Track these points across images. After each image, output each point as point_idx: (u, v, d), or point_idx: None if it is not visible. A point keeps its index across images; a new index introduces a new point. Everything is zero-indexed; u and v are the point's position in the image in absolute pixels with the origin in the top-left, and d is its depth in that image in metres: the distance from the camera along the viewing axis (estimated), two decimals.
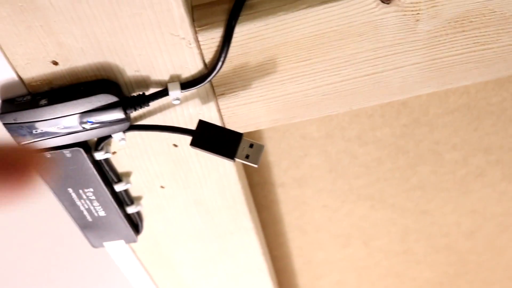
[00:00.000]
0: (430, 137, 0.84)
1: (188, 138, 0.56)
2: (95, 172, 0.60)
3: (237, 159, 0.55)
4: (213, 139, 0.56)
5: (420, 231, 1.06)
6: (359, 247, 1.07)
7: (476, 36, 0.57)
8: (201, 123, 0.56)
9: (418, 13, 0.54)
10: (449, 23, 0.55)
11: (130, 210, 0.66)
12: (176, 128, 0.58)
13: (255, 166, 0.55)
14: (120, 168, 0.64)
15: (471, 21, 0.56)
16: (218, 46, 0.53)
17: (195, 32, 0.52)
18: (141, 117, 0.58)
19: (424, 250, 1.12)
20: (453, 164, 0.90)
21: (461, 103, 0.79)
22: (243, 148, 0.55)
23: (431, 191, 0.95)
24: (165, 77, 0.55)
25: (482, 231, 1.10)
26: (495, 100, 0.80)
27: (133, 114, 0.57)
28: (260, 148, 0.56)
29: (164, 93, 0.55)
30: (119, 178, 0.64)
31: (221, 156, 0.55)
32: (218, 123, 0.60)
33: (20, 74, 0.53)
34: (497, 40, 0.58)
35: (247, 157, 0.55)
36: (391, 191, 0.93)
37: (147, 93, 0.55)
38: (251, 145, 0.55)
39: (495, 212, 1.05)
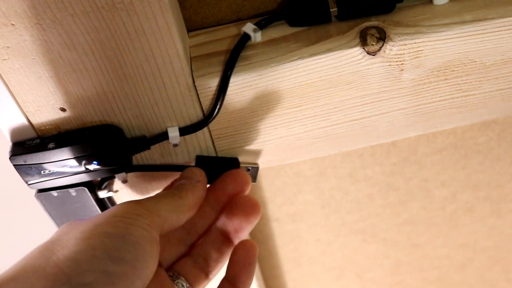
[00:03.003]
0: (420, 175, 0.86)
1: None
2: (98, 210, 0.62)
3: None
4: (213, 170, 0.60)
5: (412, 264, 1.07)
6: (352, 279, 1.08)
7: (459, 84, 0.60)
8: (199, 158, 0.60)
9: (403, 63, 0.56)
10: (432, 72, 0.58)
11: None
12: (175, 167, 0.61)
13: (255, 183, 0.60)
14: None
15: (453, 70, 0.58)
16: (215, 94, 0.56)
17: (193, 81, 0.55)
18: (142, 158, 0.61)
19: (416, 283, 1.12)
20: (443, 200, 0.92)
21: (448, 143, 0.81)
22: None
23: (421, 225, 0.96)
24: (165, 122, 0.58)
25: (473, 264, 1.10)
26: (481, 140, 0.81)
27: (135, 156, 0.60)
28: (256, 169, 0.62)
29: (164, 136, 0.58)
30: None
31: None
32: None
33: (30, 119, 0.55)
34: (478, 87, 0.60)
35: None
36: (382, 226, 0.94)
37: (148, 137, 0.58)
38: (248, 169, 0.62)
39: (486, 246, 1.05)
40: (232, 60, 0.55)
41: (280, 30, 0.58)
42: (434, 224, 0.97)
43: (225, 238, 0.61)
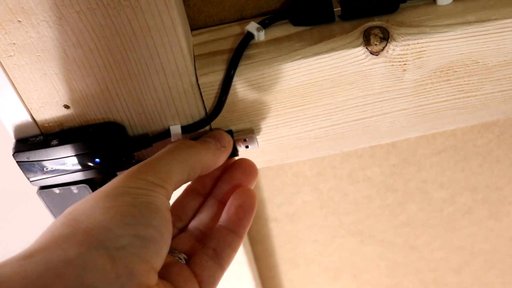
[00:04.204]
0: (418, 176, 0.86)
1: None
2: None
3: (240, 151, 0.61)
4: None
5: (408, 266, 1.07)
6: (349, 281, 1.08)
7: (460, 85, 0.60)
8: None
9: (405, 64, 0.57)
10: (434, 72, 0.58)
11: None
12: None
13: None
14: None
15: (456, 71, 0.58)
16: (218, 92, 0.56)
17: (197, 80, 0.55)
18: (144, 156, 0.61)
19: (413, 285, 1.13)
20: (441, 202, 0.92)
21: (448, 145, 0.81)
22: (239, 145, 0.61)
23: (419, 227, 0.97)
24: (167, 119, 0.58)
25: (470, 267, 1.11)
26: (481, 142, 0.82)
27: (137, 153, 0.60)
28: (253, 136, 0.61)
29: (166, 135, 0.58)
30: None
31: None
32: None
33: (34, 116, 0.55)
34: (480, 88, 0.60)
35: (247, 147, 0.61)
36: (380, 227, 0.95)
37: (150, 134, 0.58)
38: (245, 139, 0.61)
39: (483, 249, 1.06)
40: (235, 59, 0.55)
41: (283, 29, 0.58)
42: (431, 226, 0.97)
43: (223, 204, 0.60)
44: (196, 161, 0.54)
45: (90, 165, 0.56)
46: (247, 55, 0.56)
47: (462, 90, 0.61)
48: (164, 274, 0.53)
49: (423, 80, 0.59)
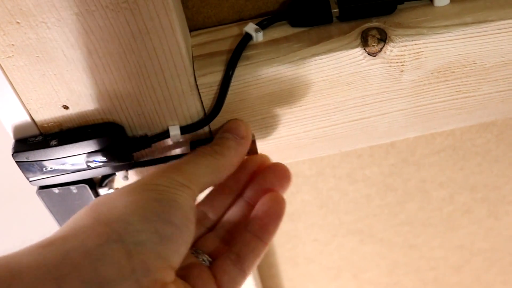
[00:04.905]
0: (418, 176, 0.86)
1: None
2: None
3: None
4: None
5: (408, 265, 1.07)
6: (349, 280, 1.08)
7: (458, 85, 0.60)
8: (193, 144, 0.60)
9: (403, 65, 0.57)
10: (432, 73, 0.58)
11: None
12: (174, 158, 0.61)
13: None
14: None
15: (453, 72, 0.58)
16: (216, 93, 0.56)
17: (195, 81, 0.55)
18: (143, 156, 0.61)
19: (413, 284, 1.13)
20: (440, 201, 0.92)
21: (447, 144, 0.81)
22: None
23: (418, 226, 0.97)
24: (166, 120, 0.58)
25: (470, 266, 1.11)
26: (479, 141, 0.82)
27: (136, 154, 0.60)
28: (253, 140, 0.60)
29: (165, 135, 0.58)
30: None
31: None
32: None
33: (33, 116, 0.56)
34: (478, 88, 0.61)
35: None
36: (379, 226, 0.95)
37: (149, 135, 0.58)
38: None
39: (482, 248, 1.06)
40: (234, 60, 0.55)
41: (281, 31, 0.58)
42: (431, 225, 0.97)
43: (252, 207, 0.59)
44: (221, 165, 0.54)
45: (89, 165, 0.57)
46: (246, 56, 0.56)
47: (460, 91, 0.61)
48: (184, 274, 0.53)
49: (421, 81, 0.59)
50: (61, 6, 0.47)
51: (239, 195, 0.61)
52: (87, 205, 0.49)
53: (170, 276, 0.46)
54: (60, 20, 0.48)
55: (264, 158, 0.61)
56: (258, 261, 0.57)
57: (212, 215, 0.60)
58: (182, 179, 0.50)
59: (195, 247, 0.58)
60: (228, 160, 0.55)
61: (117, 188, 0.63)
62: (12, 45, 0.50)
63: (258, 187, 0.60)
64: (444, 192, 0.90)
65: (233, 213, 0.60)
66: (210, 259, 0.56)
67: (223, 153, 0.55)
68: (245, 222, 0.58)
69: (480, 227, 1.00)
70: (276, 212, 0.57)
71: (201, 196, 0.59)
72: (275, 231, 0.57)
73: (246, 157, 0.60)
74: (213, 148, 0.55)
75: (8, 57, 0.50)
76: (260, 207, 0.58)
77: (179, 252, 0.47)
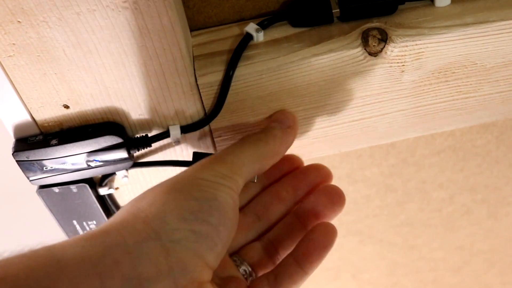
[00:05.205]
0: (418, 177, 0.86)
1: None
2: (99, 206, 0.63)
3: None
4: None
5: (408, 266, 1.07)
6: (348, 280, 1.08)
7: (459, 86, 0.60)
8: (196, 154, 0.59)
9: (403, 65, 0.57)
10: (432, 74, 0.58)
11: None
12: (174, 162, 0.61)
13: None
14: (122, 203, 0.67)
15: (454, 72, 0.59)
16: (217, 93, 0.56)
17: (196, 81, 0.55)
18: (143, 156, 0.61)
19: (412, 284, 1.13)
20: (440, 202, 0.92)
21: (447, 145, 0.81)
22: None
23: (418, 227, 0.97)
24: (167, 120, 0.58)
25: (469, 267, 1.11)
26: (480, 142, 0.82)
27: (136, 153, 0.60)
28: None
29: (165, 135, 0.58)
30: None
31: None
32: None
33: (33, 116, 0.56)
34: (478, 89, 0.61)
35: None
36: (379, 227, 0.95)
37: (149, 135, 0.58)
38: None
39: (482, 249, 1.06)
40: (234, 60, 0.55)
41: (282, 31, 0.58)
42: (431, 226, 0.97)
43: (302, 225, 0.59)
44: (265, 153, 0.54)
45: (89, 165, 0.57)
46: (246, 56, 0.56)
47: (460, 91, 0.61)
48: (221, 284, 0.53)
49: (422, 81, 0.59)
50: (62, 5, 0.47)
51: (295, 204, 0.61)
52: (131, 201, 0.49)
53: (207, 275, 0.46)
54: (61, 19, 0.48)
55: (326, 171, 0.61)
56: None
57: (264, 221, 0.60)
58: (226, 170, 0.50)
59: (239, 254, 0.58)
60: (272, 148, 0.54)
61: (117, 188, 0.63)
62: (13, 44, 0.50)
63: (310, 206, 0.60)
64: (444, 193, 0.90)
65: (282, 226, 0.60)
66: (250, 270, 0.57)
67: (268, 141, 0.54)
68: (290, 240, 0.58)
69: (480, 228, 1.00)
70: (324, 244, 0.56)
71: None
72: (318, 262, 0.56)
73: (309, 166, 0.61)
74: (258, 136, 0.55)
75: (9, 56, 0.50)
76: (309, 235, 0.57)
77: (215, 250, 0.47)
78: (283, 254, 0.58)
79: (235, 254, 0.58)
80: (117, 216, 0.47)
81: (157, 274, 0.43)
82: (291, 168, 0.62)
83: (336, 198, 0.59)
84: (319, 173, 0.61)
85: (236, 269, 0.56)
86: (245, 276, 0.56)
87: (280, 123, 0.57)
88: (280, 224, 0.60)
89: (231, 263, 0.56)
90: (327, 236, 0.56)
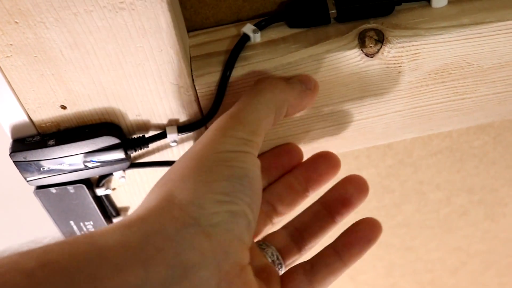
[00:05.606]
0: (415, 178, 0.86)
1: None
2: (96, 207, 0.63)
3: None
4: None
5: (405, 267, 1.07)
6: (345, 282, 1.09)
7: (455, 87, 0.60)
8: None
9: (400, 66, 0.57)
10: (429, 74, 0.58)
11: None
12: (172, 162, 0.60)
13: None
14: (119, 203, 0.67)
15: (450, 73, 0.59)
16: (214, 94, 0.56)
17: (193, 81, 0.55)
18: (140, 156, 0.61)
19: (409, 285, 1.13)
20: (437, 203, 0.92)
21: (444, 146, 0.81)
22: None
23: (416, 228, 0.97)
24: (163, 121, 0.58)
25: (466, 268, 1.11)
26: (477, 143, 0.82)
27: (133, 154, 0.60)
28: None
29: (162, 135, 0.58)
30: (118, 212, 0.67)
31: None
32: None
33: (31, 116, 0.56)
34: (475, 90, 0.61)
35: None
36: None
37: (146, 135, 0.58)
38: None
39: (479, 250, 1.06)
40: (231, 61, 0.55)
41: (279, 31, 0.58)
42: (428, 227, 0.97)
43: (328, 213, 0.60)
44: (282, 100, 0.53)
45: (86, 165, 0.57)
46: (243, 56, 0.56)
47: (457, 92, 0.61)
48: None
49: (418, 82, 0.59)
50: (60, 6, 0.47)
51: (306, 192, 0.61)
52: (158, 184, 0.49)
53: (247, 256, 0.46)
54: (58, 20, 0.48)
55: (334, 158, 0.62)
56: (331, 280, 0.57)
57: (281, 209, 0.60)
58: (246, 134, 0.49)
59: (263, 240, 0.58)
60: (289, 97, 0.53)
61: (114, 189, 0.63)
62: (11, 45, 0.50)
63: (339, 194, 0.60)
64: (441, 194, 0.90)
65: (308, 214, 0.60)
66: (277, 253, 0.57)
67: (285, 90, 0.53)
68: (317, 227, 0.59)
69: (477, 229, 1.00)
70: (368, 238, 0.57)
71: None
72: (359, 256, 0.57)
73: (318, 154, 0.61)
74: (275, 83, 0.54)
75: (7, 56, 0.50)
76: (355, 227, 0.58)
77: (251, 228, 0.47)
78: (310, 241, 0.59)
79: (259, 240, 0.58)
80: (150, 202, 0.46)
81: (202, 260, 0.43)
82: (294, 161, 0.62)
83: (362, 186, 0.61)
84: (329, 162, 0.61)
85: (263, 254, 0.56)
86: (272, 260, 0.56)
87: (302, 83, 0.55)
88: (305, 211, 0.61)
89: (258, 251, 0.56)
90: (373, 230, 0.57)
